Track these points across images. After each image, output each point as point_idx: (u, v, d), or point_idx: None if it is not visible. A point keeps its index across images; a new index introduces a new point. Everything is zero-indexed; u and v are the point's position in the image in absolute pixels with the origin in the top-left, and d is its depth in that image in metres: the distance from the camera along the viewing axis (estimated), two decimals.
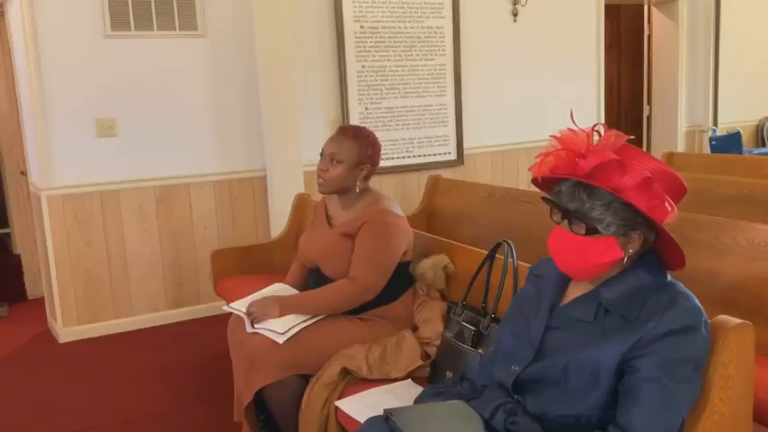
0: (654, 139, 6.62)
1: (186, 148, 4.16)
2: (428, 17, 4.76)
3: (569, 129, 1.43)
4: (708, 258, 2.28)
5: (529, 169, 1.46)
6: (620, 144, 1.38)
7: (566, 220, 1.44)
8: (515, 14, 5.18)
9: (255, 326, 2.27)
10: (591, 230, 1.39)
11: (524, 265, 2.00)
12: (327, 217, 2.53)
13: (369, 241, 2.30)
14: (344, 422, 2.06)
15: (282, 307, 2.29)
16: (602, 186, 1.36)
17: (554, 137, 1.42)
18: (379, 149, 2.46)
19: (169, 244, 4.18)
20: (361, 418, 1.76)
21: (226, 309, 2.48)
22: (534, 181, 1.49)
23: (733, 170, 4.03)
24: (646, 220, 1.38)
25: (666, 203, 1.38)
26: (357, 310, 2.35)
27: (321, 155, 2.44)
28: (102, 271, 4.03)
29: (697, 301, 1.39)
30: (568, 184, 1.41)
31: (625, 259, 1.41)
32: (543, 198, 1.50)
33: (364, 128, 2.49)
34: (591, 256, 1.41)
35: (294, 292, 2.51)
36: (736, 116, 6.58)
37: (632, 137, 1.43)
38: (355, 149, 2.38)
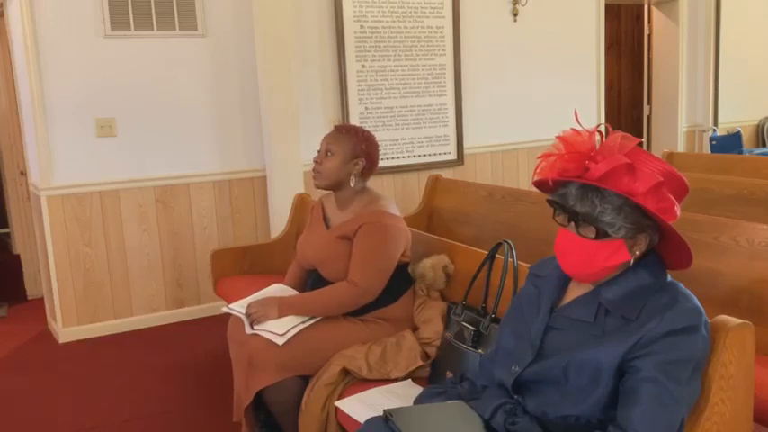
0: (654, 139, 6.62)
1: (186, 148, 4.16)
2: (428, 17, 4.76)
3: (572, 129, 1.43)
4: (708, 258, 2.28)
5: (535, 173, 1.45)
6: (630, 147, 1.37)
7: (572, 223, 1.43)
8: (515, 14, 5.17)
9: (255, 327, 2.27)
10: (601, 234, 1.39)
11: (524, 265, 2.00)
12: (325, 218, 2.53)
13: (367, 243, 2.30)
14: (344, 422, 2.06)
15: (281, 308, 2.29)
16: (614, 190, 1.36)
17: (559, 138, 1.42)
18: (375, 146, 2.47)
19: (169, 244, 4.18)
20: (361, 419, 1.76)
21: (225, 310, 2.47)
22: (537, 183, 1.48)
23: (733, 170, 4.02)
24: (654, 222, 1.38)
25: (675, 205, 1.38)
26: (357, 312, 2.34)
27: (318, 152, 2.46)
28: (102, 271, 4.03)
29: (697, 302, 1.38)
30: (576, 187, 1.40)
31: (631, 262, 1.41)
32: (549, 200, 1.48)
33: (360, 127, 2.52)
34: (599, 260, 1.40)
35: (293, 292, 2.50)
36: (736, 116, 6.58)
37: (642, 140, 1.42)
38: (349, 143, 2.40)
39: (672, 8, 6.30)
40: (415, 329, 2.35)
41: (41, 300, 4.41)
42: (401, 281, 2.41)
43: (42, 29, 3.75)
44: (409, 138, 4.80)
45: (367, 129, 2.51)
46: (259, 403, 2.30)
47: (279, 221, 3.97)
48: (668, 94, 6.45)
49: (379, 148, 2.51)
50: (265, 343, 2.20)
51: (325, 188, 2.47)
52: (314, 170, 2.44)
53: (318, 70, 4.45)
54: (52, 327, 4.11)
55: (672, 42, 6.34)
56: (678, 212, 1.39)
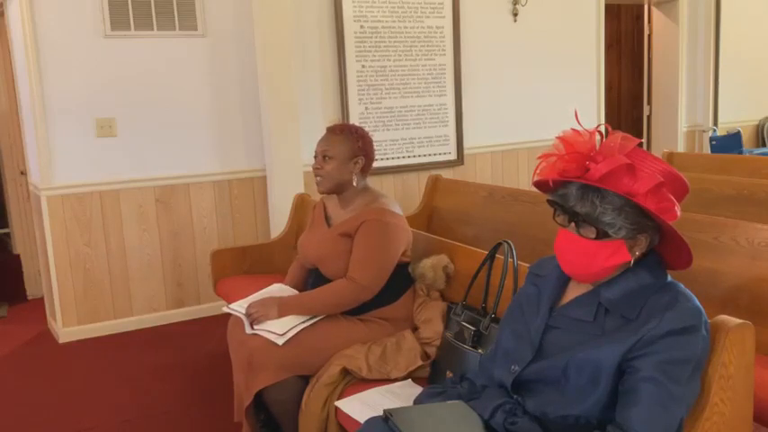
0: (654, 139, 6.62)
1: (186, 148, 4.16)
2: (428, 17, 4.76)
3: (572, 129, 1.43)
4: (708, 258, 2.28)
5: (536, 173, 1.45)
6: (630, 147, 1.38)
7: (573, 223, 1.43)
8: (515, 14, 5.17)
9: (255, 327, 2.27)
10: (601, 234, 1.39)
11: (524, 265, 2.00)
12: (326, 217, 2.54)
13: (367, 241, 2.30)
14: (344, 422, 2.06)
15: (281, 308, 2.29)
16: (614, 190, 1.36)
17: (559, 138, 1.42)
18: (370, 142, 2.47)
19: (169, 244, 4.18)
20: (361, 419, 1.76)
21: (225, 310, 2.48)
22: (537, 183, 1.48)
23: (733, 170, 4.02)
24: (654, 222, 1.38)
25: (675, 205, 1.38)
26: (357, 312, 2.35)
27: (315, 157, 2.46)
28: (102, 271, 4.02)
29: (697, 302, 1.38)
30: (576, 187, 1.40)
31: (631, 262, 1.41)
32: (549, 201, 1.48)
33: (352, 124, 2.53)
34: (599, 260, 1.40)
35: (293, 292, 2.51)
36: (736, 116, 6.58)
37: (642, 140, 1.42)
38: (345, 143, 2.40)
39: (672, 8, 6.30)
40: (415, 329, 2.35)
41: (41, 300, 4.42)
42: (401, 281, 2.41)
43: (42, 29, 3.75)
44: (409, 138, 4.80)
45: (365, 127, 2.52)
46: (259, 403, 2.30)
47: (279, 221, 3.97)
48: (668, 94, 6.45)
49: (378, 147, 2.51)
50: (265, 343, 2.20)
51: (330, 192, 2.46)
52: (315, 176, 2.44)
53: (318, 70, 4.45)
54: (52, 327, 4.11)
55: (672, 42, 6.34)
56: (678, 212, 1.39)
